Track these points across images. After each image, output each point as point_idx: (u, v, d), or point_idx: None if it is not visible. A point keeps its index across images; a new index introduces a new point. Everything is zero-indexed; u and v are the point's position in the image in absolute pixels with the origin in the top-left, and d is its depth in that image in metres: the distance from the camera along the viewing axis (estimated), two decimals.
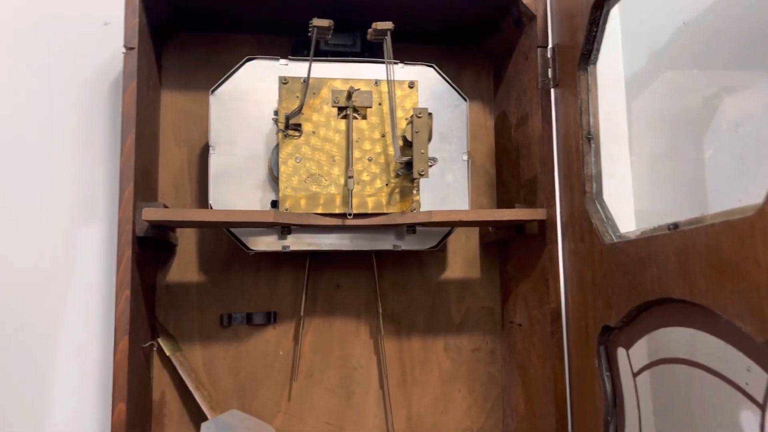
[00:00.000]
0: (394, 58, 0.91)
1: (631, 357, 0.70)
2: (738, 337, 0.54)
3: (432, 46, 1.06)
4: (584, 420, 0.79)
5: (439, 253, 1.02)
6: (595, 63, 0.80)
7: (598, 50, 0.79)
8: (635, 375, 0.70)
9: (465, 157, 0.94)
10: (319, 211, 0.81)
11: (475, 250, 1.03)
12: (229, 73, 0.89)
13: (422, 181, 0.86)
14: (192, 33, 0.99)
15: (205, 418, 0.89)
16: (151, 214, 0.75)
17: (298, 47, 1.00)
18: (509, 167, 0.99)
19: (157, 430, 0.92)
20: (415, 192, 0.83)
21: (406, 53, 1.01)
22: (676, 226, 0.60)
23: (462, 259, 1.03)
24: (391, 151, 0.83)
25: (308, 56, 0.95)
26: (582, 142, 0.80)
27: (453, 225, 0.87)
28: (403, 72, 0.93)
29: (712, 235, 0.54)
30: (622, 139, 1.06)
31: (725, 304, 0.52)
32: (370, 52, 1.00)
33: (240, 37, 1.01)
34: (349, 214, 0.79)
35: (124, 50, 0.80)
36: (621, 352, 0.73)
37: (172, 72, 0.98)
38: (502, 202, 1.02)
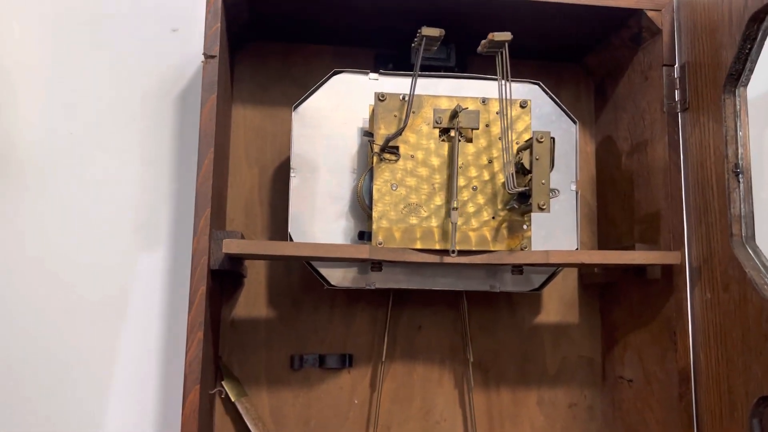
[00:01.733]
0: (488, 74, 0.81)
1: None
2: None
3: (526, 60, 0.95)
4: None
5: (532, 293, 0.90)
6: (746, 85, 0.69)
7: (751, 70, 0.68)
8: None
9: (573, 187, 0.83)
10: (417, 246, 0.71)
11: (573, 292, 0.92)
12: (314, 87, 0.79)
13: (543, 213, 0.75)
14: (265, 42, 0.90)
15: None
16: (232, 246, 0.65)
17: (381, 60, 0.91)
18: (618, 199, 0.88)
19: None
20: (525, 227, 0.73)
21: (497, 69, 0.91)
22: None
23: (558, 301, 0.91)
24: (499, 178, 0.73)
25: (396, 69, 0.86)
26: (728, 176, 0.69)
27: (572, 267, 0.76)
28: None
29: None
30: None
31: None
32: (461, 67, 0.90)
33: (317, 47, 0.91)
34: (453, 251, 0.68)
35: (202, 58, 0.71)
36: None
37: (244, 84, 0.89)
38: (607, 239, 0.91)
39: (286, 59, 0.91)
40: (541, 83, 0.84)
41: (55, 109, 0.87)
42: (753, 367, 0.63)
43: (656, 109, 0.80)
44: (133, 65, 0.89)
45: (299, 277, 0.86)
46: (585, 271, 0.90)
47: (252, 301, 0.85)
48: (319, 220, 0.77)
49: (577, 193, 0.83)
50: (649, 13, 0.79)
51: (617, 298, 0.87)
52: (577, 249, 0.82)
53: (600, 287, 0.91)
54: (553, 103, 0.83)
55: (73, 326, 0.83)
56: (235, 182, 0.87)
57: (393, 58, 0.90)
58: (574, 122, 0.84)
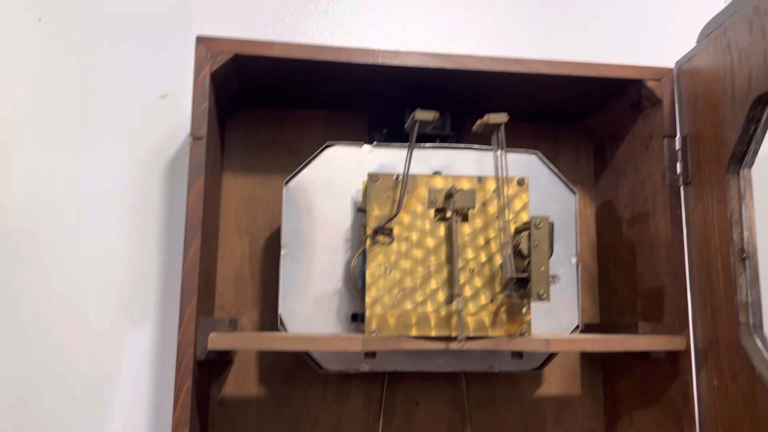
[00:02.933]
0: (483, 142, 0.79)
1: None
2: None
3: (524, 122, 0.93)
4: None
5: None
6: (750, 166, 0.67)
7: (755, 152, 0.66)
8: None
9: (574, 260, 0.80)
10: (413, 333, 0.68)
11: (575, 362, 0.89)
12: (306, 161, 0.77)
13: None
14: (258, 108, 0.88)
15: None
16: (218, 342, 0.62)
17: (376, 124, 0.89)
18: (620, 268, 0.86)
19: None
20: (524, 311, 0.70)
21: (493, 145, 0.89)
22: None
23: (560, 373, 0.89)
24: (497, 260, 0.70)
25: (391, 133, 0.84)
26: (734, 261, 0.66)
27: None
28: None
29: None
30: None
31: None
32: (459, 133, 0.88)
33: (310, 112, 0.89)
34: (461, 339, 0.66)
35: (190, 139, 0.69)
36: None
37: (235, 153, 0.87)
38: (609, 307, 0.88)
39: (279, 125, 0.89)
40: (539, 153, 0.81)
41: (44, 179, 0.85)
42: None
43: (657, 180, 0.78)
44: (123, 133, 0.87)
45: (291, 354, 0.83)
46: None
47: (242, 379, 0.82)
48: (312, 298, 0.75)
49: (577, 266, 0.80)
50: (650, 83, 0.78)
51: (620, 372, 0.84)
52: (578, 325, 0.79)
53: (602, 358, 0.88)
54: (551, 172, 0.81)
55: (57, 404, 0.80)
56: (225, 254, 0.84)
57: (388, 122, 0.88)
58: (573, 192, 0.81)
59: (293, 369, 0.83)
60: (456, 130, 0.87)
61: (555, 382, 0.88)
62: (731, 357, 0.66)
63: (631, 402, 0.82)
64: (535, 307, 0.78)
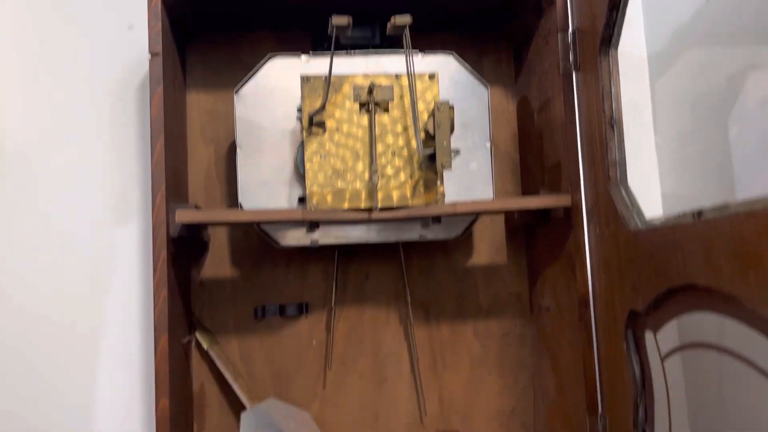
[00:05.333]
0: (413, 48, 0.91)
1: (659, 341, 0.71)
2: (764, 324, 0.54)
3: (451, 31, 1.05)
4: (614, 403, 0.81)
5: (464, 240, 1.03)
6: (616, 47, 0.80)
7: (618, 34, 0.78)
8: (663, 359, 0.71)
9: (488, 145, 0.94)
10: (345, 206, 0.83)
11: (501, 236, 1.04)
12: (252, 71, 0.90)
13: (446, 171, 0.87)
14: (214, 32, 1.00)
15: (244, 408, 0.92)
16: (184, 216, 0.77)
17: (318, 40, 1.01)
18: (533, 153, 1.00)
19: (198, 421, 0.95)
20: (439, 183, 0.84)
21: (425, 41, 1.01)
22: (700, 214, 0.61)
23: (488, 245, 1.04)
24: (414, 143, 0.84)
25: (329, 50, 0.96)
26: (605, 128, 0.80)
27: (478, 214, 0.88)
28: (423, 62, 0.93)
29: (736, 225, 0.54)
30: (647, 120, 1.05)
31: (749, 293, 0.52)
32: (390, 43, 1.00)
33: (262, 33, 1.02)
34: (375, 209, 0.81)
35: (149, 56, 0.82)
36: (648, 335, 0.73)
37: (196, 72, 1.00)
38: (527, 188, 1.02)
39: (234, 47, 1.01)
40: (454, 53, 0.94)
41: (29, 104, 0.99)
42: (625, 287, 0.76)
43: (555, 70, 0.90)
44: (96, 61, 1.00)
45: (257, 240, 0.98)
46: (509, 216, 1.02)
47: (217, 263, 0.98)
48: (266, 189, 0.89)
49: (491, 149, 0.94)
50: None
51: (536, 239, 1.00)
52: (493, 199, 0.94)
53: (523, 230, 1.04)
54: (466, 70, 0.94)
55: (59, 300, 0.96)
56: (193, 160, 0.99)
57: (329, 38, 1.01)
58: (486, 87, 0.94)
59: (260, 253, 0.99)
60: (389, 40, 0.99)
61: (484, 254, 1.04)
62: (605, 207, 0.80)
63: (544, 262, 0.97)
64: (458, 184, 0.92)
